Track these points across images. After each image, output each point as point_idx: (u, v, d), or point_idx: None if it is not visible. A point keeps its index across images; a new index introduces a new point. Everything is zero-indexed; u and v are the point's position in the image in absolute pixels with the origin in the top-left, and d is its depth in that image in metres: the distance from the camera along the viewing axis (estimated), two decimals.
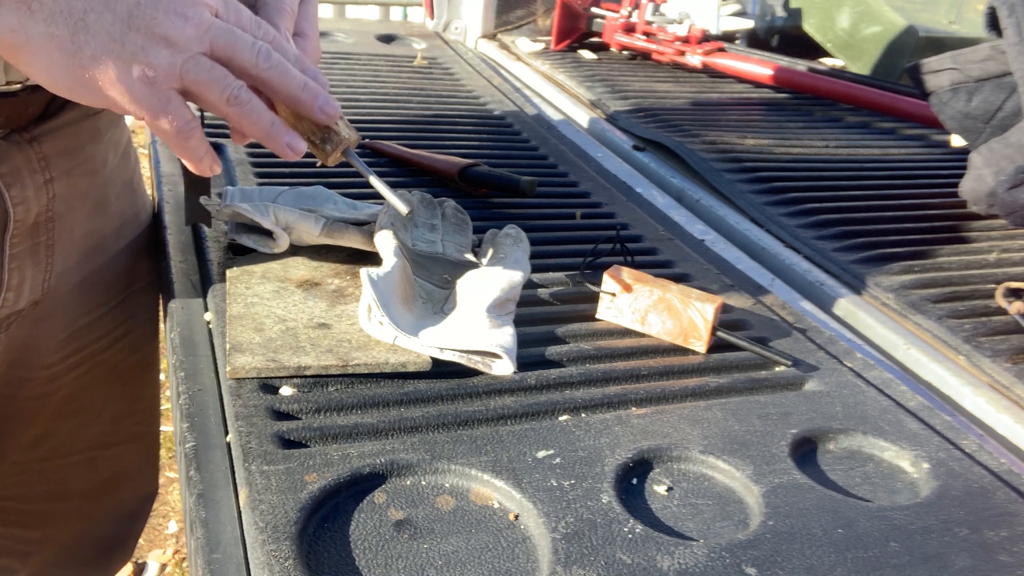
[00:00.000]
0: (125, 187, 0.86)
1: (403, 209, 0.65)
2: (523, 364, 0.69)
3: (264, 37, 0.59)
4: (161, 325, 0.88)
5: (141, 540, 1.67)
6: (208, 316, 0.74)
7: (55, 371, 0.86)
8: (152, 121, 0.57)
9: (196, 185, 0.78)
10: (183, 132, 0.58)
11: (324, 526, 0.53)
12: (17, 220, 0.71)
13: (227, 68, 0.57)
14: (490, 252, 0.80)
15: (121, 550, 1.12)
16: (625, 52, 1.78)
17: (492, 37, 1.84)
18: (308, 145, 0.60)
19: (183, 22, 0.55)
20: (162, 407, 1.93)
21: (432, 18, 1.85)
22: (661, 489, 0.59)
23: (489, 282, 0.73)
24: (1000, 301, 0.89)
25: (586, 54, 1.77)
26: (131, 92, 0.55)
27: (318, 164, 0.64)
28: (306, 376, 0.65)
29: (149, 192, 0.96)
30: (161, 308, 0.93)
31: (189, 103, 0.58)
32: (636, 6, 1.76)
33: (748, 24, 2.35)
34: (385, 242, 0.75)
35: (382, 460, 0.57)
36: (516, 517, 0.55)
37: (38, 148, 0.72)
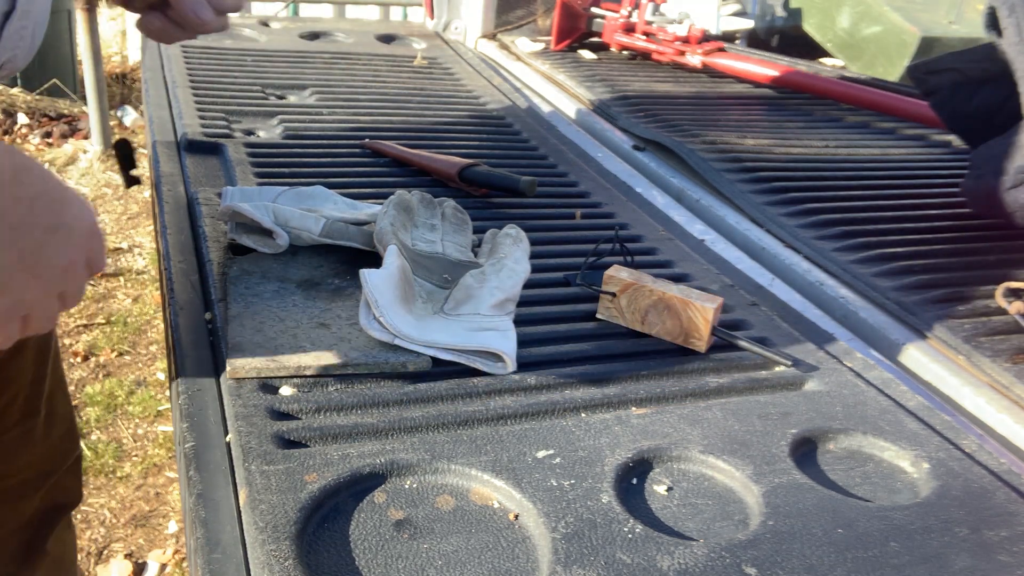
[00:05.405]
0: None
1: None
2: (523, 364, 0.69)
3: None
4: (160, 325, 0.88)
5: (141, 540, 1.67)
6: (208, 316, 0.74)
7: None
8: None
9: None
10: None
11: (324, 526, 0.53)
12: None
13: None
14: (490, 252, 0.80)
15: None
16: (625, 52, 1.78)
17: (492, 37, 1.84)
18: None
19: None
20: (162, 407, 1.94)
21: (432, 18, 1.85)
22: (661, 489, 0.59)
23: (489, 282, 0.73)
24: (1000, 301, 0.88)
25: (586, 54, 1.76)
26: None
27: None
28: (306, 376, 0.65)
29: (148, 192, 0.96)
30: (163, 309, 0.92)
31: None
32: (636, 6, 1.76)
33: (748, 24, 2.35)
34: (385, 242, 0.75)
35: (382, 460, 0.57)
36: (516, 517, 0.55)
37: None
